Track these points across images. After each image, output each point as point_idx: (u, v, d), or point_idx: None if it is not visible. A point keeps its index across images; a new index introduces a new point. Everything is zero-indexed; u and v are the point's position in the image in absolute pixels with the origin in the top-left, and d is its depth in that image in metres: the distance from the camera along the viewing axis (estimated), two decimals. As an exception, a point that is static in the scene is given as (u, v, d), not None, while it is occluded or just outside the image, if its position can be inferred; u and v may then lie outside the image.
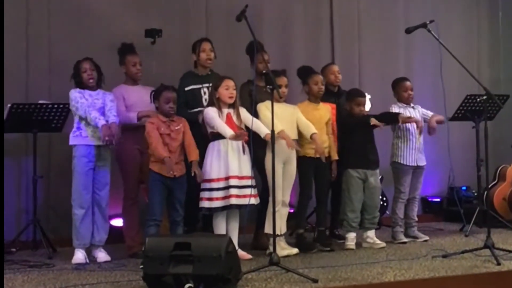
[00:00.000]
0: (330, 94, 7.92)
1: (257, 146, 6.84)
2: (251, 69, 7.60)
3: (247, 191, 6.74)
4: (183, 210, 6.81)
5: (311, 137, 7.14)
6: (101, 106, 6.93)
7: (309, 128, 7.18)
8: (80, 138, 6.87)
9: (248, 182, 6.79)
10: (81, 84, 6.94)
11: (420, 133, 7.94)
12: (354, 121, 7.63)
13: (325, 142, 7.41)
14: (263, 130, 6.75)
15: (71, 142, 6.89)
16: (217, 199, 6.74)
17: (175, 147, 6.74)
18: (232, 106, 6.90)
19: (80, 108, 6.81)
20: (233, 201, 6.70)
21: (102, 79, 7.08)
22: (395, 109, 8.02)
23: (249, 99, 7.10)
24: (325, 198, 7.60)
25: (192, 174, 6.71)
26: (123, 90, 7.35)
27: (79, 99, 6.84)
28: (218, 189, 6.74)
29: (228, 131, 6.70)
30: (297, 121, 7.22)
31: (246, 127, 6.84)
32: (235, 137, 6.68)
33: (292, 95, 7.60)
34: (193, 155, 6.77)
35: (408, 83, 8.17)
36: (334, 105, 7.80)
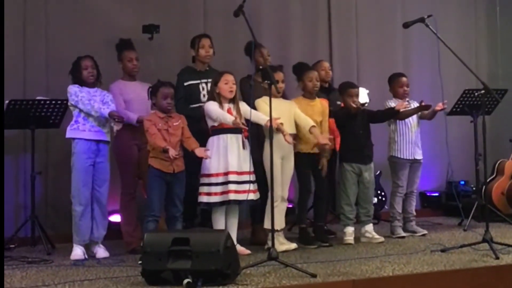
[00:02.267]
0: (321, 90, 7.89)
1: (253, 147, 6.85)
2: (251, 65, 7.60)
3: (247, 186, 6.74)
4: (182, 206, 6.80)
5: (310, 130, 7.14)
6: (99, 102, 6.91)
7: (308, 122, 7.18)
8: (77, 131, 6.86)
9: (248, 177, 6.79)
10: (79, 81, 6.94)
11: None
12: (341, 115, 7.65)
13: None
14: (262, 117, 6.74)
15: (68, 135, 6.89)
16: (215, 194, 6.74)
17: (174, 142, 6.72)
18: (232, 101, 6.90)
19: (81, 102, 6.81)
20: (232, 196, 6.71)
21: (100, 78, 7.07)
22: (391, 103, 8.03)
23: (251, 92, 7.10)
24: (324, 193, 7.60)
25: (202, 156, 6.66)
26: (121, 85, 7.34)
27: (79, 93, 6.84)
28: (216, 184, 6.74)
29: (228, 117, 6.69)
30: (294, 116, 7.22)
31: (247, 122, 6.84)
32: (236, 123, 6.65)
33: (289, 91, 7.60)
34: (194, 144, 6.75)
35: (403, 79, 8.17)
36: (326, 100, 7.77)
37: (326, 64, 8.21)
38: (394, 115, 7.79)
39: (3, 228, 7.01)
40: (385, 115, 7.82)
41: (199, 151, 6.66)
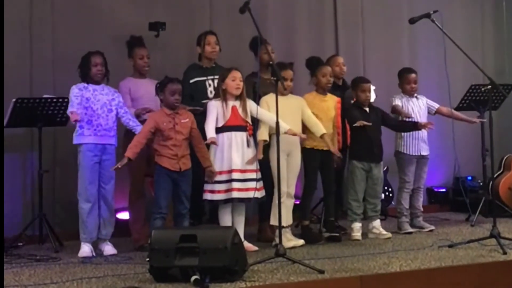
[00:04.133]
0: (335, 87, 7.88)
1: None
2: (255, 62, 7.60)
3: (251, 184, 6.74)
4: (188, 203, 6.80)
5: (321, 137, 7.18)
6: (105, 102, 6.92)
7: (319, 128, 7.20)
8: (82, 136, 6.86)
9: (252, 175, 6.78)
10: (86, 77, 6.94)
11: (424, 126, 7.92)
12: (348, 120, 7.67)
13: (331, 134, 7.45)
14: (209, 135, 6.71)
15: (75, 142, 6.89)
16: (219, 192, 6.75)
17: (180, 140, 6.72)
18: (238, 98, 6.89)
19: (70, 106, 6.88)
20: (235, 194, 6.71)
21: (108, 75, 7.07)
22: (396, 100, 8.03)
23: (252, 92, 7.11)
24: (332, 188, 7.61)
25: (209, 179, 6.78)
26: (131, 83, 7.35)
27: (74, 99, 6.86)
28: (220, 182, 6.74)
29: (208, 133, 6.69)
30: (303, 116, 7.20)
31: (252, 120, 6.86)
32: (209, 142, 6.67)
33: (298, 87, 7.59)
34: (207, 162, 6.77)
35: (412, 75, 8.13)
36: (339, 99, 7.75)
37: (341, 60, 8.15)
38: (414, 129, 7.89)
39: (3, 227, 7.00)
40: (406, 127, 7.91)
41: (209, 172, 6.73)
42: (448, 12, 9.24)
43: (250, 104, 6.92)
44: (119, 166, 6.53)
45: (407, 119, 7.91)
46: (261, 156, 6.89)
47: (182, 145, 6.73)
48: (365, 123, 7.39)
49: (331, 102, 7.55)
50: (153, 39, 8.20)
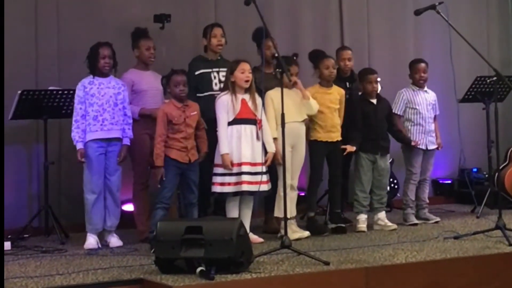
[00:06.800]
0: (341, 79, 7.85)
1: None
2: (258, 55, 7.59)
3: (260, 177, 6.74)
4: (198, 192, 6.82)
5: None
6: (111, 96, 6.90)
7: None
8: (90, 133, 6.85)
9: (261, 168, 6.78)
10: (94, 68, 6.93)
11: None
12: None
13: (337, 125, 7.46)
14: (221, 149, 6.74)
15: (84, 140, 6.89)
16: (229, 184, 6.74)
17: (190, 133, 6.74)
18: (248, 90, 6.87)
19: (74, 111, 6.89)
20: (245, 187, 6.71)
21: (116, 67, 7.06)
22: (403, 95, 8.04)
23: (258, 85, 7.09)
24: (338, 180, 7.60)
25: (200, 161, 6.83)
26: (134, 75, 7.32)
27: (78, 101, 6.87)
28: (230, 174, 6.74)
29: (222, 149, 6.71)
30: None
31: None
32: (225, 166, 6.70)
33: (302, 80, 7.58)
34: (204, 147, 6.86)
35: (421, 65, 8.14)
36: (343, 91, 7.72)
37: (347, 54, 7.96)
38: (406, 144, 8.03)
39: (3, 223, 7.01)
40: (399, 138, 8.02)
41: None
42: (453, 4, 9.21)
43: (260, 102, 6.91)
44: (163, 178, 6.66)
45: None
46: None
47: (191, 137, 6.75)
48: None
49: (336, 95, 7.51)
50: (158, 31, 8.16)
